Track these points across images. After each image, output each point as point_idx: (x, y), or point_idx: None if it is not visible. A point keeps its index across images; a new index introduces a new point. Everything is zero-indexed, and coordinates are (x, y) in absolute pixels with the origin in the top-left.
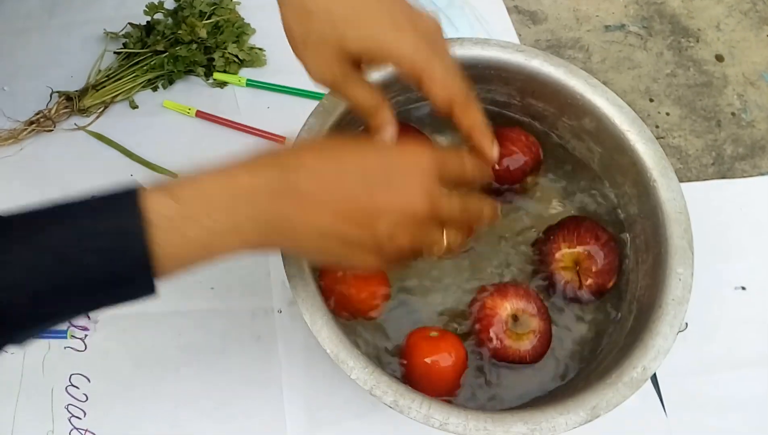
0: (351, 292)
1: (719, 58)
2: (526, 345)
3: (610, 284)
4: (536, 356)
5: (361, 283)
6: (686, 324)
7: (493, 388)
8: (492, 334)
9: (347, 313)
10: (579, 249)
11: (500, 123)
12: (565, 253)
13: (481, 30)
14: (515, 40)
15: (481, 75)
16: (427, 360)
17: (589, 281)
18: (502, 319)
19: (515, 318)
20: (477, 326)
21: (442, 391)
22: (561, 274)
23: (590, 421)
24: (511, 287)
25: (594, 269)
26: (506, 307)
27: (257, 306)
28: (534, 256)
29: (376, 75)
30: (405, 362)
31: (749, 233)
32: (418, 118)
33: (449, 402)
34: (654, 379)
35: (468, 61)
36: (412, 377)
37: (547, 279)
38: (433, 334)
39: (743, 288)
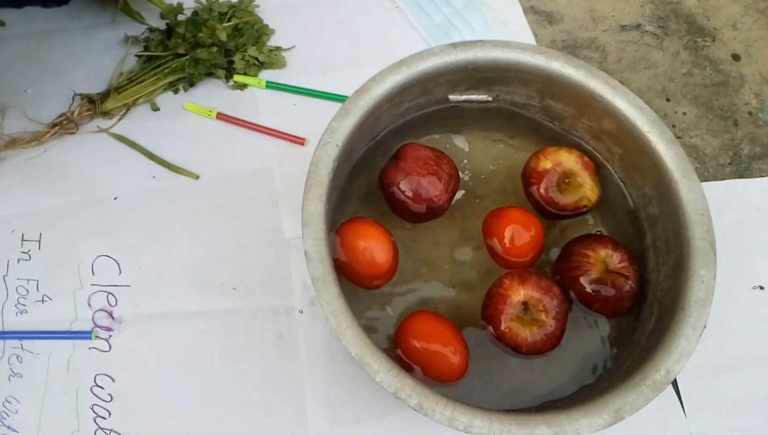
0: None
1: (736, 58)
2: (526, 335)
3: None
4: (533, 350)
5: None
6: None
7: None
8: (499, 314)
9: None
10: (606, 251)
11: (521, 123)
12: (595, 256)
13: (497, 31)
14: (531, 40)
15: (500, 77)
16: None
17: (627, 270)
18: (513, 302)
19: (525, 305)
20: (487, 302)
21: None
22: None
23: (614, 424)
24: (534, 277)
25: (625, 263)
26: (521, 292)
27: (279, 306)
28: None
29: (397, 77)
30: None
31: (767, 232)
32: (437, 119)
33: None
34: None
35: (488, 64)
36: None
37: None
38: None
39: (761, 287)
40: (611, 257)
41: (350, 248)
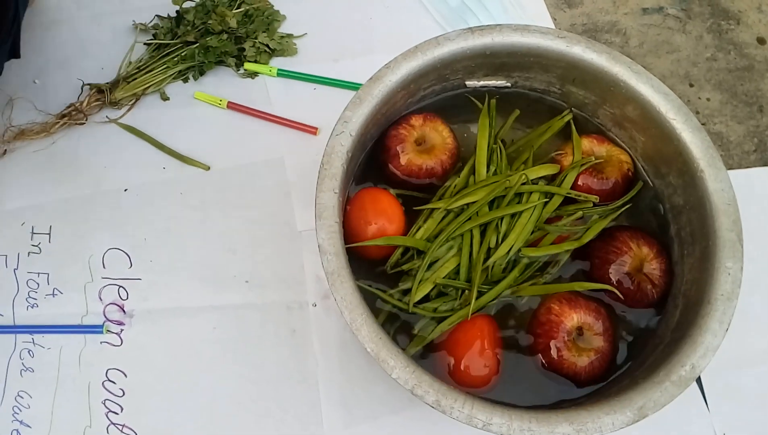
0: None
1: (761, 41)
2: (584, 361)
3: (672, 287)
4: (590, 377)
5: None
6: None
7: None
8: (551, 343)
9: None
10: (643, 249)
11: (541, 110)
12: (631, 253)
13: (514, 14)
14: (550, 24)
15: (519, 63)
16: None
17: (659, 281)
18: (566, 328)
19: (580, 331)
20: (538, 330)
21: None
22: (632, 276)
23: (637, 422)
24: (582, 299)
25: (661, 267)
26: (573, 317)
27: (292, 299)
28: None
29: (412, 64)
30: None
31: None
32: (453, 107)
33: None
34: None
35: (507, 48)
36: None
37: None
38: None
39: None
40: (650, 260)
41: (362, 207)
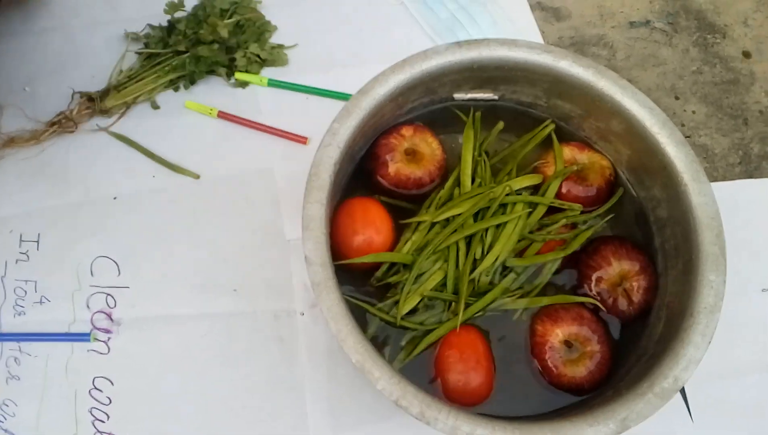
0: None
1: (746, 55)
2: (581, 371)
3: (654, 302)
4: (594, 382)
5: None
6: None
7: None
8: (546, 362)
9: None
10: (624, 265)
11: (527, 122)
12: (611, 269)
13: (503, 27)
14: (538, 37)
15: (506, 76)
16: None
17: (638, 298)
18: (555, 346)
19: (568, 344)
20: (535, 350)
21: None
22: (610, 291)
23: (620, 433)
24: (562, 311)
25: (641, 284)
26: (557, 333)
27: (280, 308)
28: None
29: (400, 77)
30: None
31: None
32: (441, 119)
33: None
34: None
35: (494, 63)
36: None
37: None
38: None
39: None
40: (631, 277)
41: (350, 217)
